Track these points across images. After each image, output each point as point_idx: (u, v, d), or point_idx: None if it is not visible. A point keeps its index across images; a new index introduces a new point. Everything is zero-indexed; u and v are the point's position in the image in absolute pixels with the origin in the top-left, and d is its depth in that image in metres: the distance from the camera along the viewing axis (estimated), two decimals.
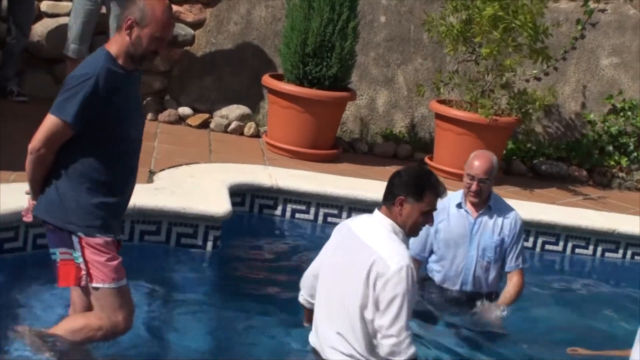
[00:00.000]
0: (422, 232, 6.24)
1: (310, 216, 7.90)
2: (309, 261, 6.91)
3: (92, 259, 4.61)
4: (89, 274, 4.63)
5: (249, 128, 9.86)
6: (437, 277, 6.49)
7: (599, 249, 8.35)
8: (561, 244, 8.30)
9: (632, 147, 10.86)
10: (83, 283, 4.64)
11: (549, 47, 9.70)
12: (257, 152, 9.26)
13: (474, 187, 6.29)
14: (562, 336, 6.36)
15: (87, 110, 4.45)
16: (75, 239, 4.60)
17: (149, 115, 9.64)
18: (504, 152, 9.93)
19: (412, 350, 4.71)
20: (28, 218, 4.81)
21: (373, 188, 8.16)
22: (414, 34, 10.49)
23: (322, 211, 7.90)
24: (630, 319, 6.34)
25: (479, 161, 6.30)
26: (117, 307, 4.68)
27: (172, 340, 5.49)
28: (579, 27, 10.67)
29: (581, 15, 10.67)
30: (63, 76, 9.30)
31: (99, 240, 4.62)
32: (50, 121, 4.48)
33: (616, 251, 8.35)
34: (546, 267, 7.96)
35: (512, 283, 6.41)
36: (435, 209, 5.02)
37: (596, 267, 8.29)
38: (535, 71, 10.38)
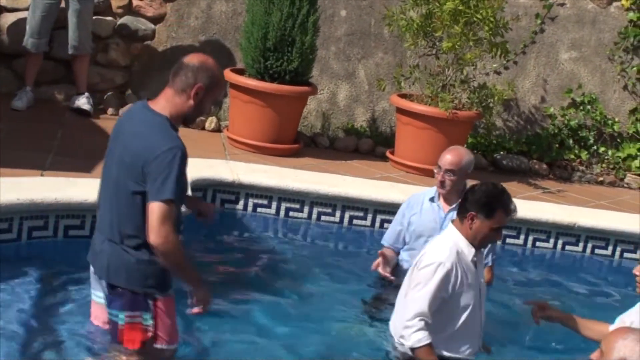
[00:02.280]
0: (397, 225, 6.43)
1: (272, 211, 7.88)
2: (271, 255, 6.93)
3: (163, 321, 4.70)
4: (155, 335, 4.69)
5: (210, 123, 9.82)
6: (405, 266, 6.56)
7: (559, 242, 8.40)
8: (522, 237, 8.34)
9: (591, 141, 10.95)
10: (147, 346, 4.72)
11: (509, 42, 9.75)
12: (218, 147, 9.22)
13: (440, 177, 6.43)
14: (523, 327, 6.42)
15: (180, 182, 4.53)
16: (150, 302, 4.67)
17: (110, 110, 9.58)
18: (465, 146, 9.96)
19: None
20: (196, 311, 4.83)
21: (335, 182, 8.18)
22: (375, 29, 10.49)
23: (283, 205, 7.88)
24: (590, 311, 6.37)
25: (449, 154, 6.47)
26: None
27: None
28: (538, 22, 10.74)
29: (540, 10, 10.73)
30: (23, 70, 9.33)
31: (172, 297, 4.73)
32: (164, 210, 4.43)
33: (576, 244, 8.41)
34: (507, 261, 7.99)
35: None
36: (505, 225, 5.26)
37: (556, 260, 8.34)
38: (495, 65, 10.43)
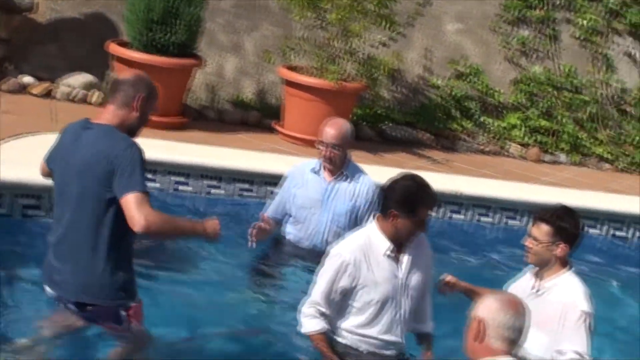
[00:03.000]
0: (279, 197, 6.41)
1: (159, 184, 7.82)
2: None
3: (137, 329, 4.77)
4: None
5: (95, 96, 9.67)
6: (291, 238, 6.63)
7: (446, 211, 8.53)
8: None
9: (475, 111, 11.13)
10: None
11: (396, 14, 9.82)
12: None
13: (326, 153, 6.41)
14: None
15: None
16: (123, 313, 4.70)
17: None
18: (352, 117, 10.02)
19: None
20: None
21: (222, 155, 8.15)
22: (262, 0, 10.46)
23: (171, 179, 7.83)
24: (476, 279, 6.48)
25: (330, 128, 6.44)
26: None
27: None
28: None
29: None
30: None
31: (141, 302, 4.80)
32: (138, 198, 4.50)
33: (460, 212, 8.55)
34: None
35: None
36: (428, 218, 5.17)
37: (443, 228, 8.46)
38: (381, 37, 10.50)
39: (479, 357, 3.86)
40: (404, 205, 5.06)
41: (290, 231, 6.65)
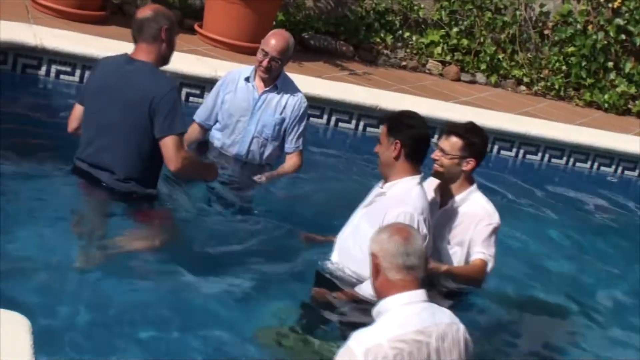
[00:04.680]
0: (210, 101, 6.39)
1: (76, 78, 7.71)
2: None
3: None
4: None
5: None
6: (216, 143, 6.60)
7: (361, 123, 8.58)
8: (325, 117, 8.47)
9: (397, 25, 11.13)
10: None
11: None
12: (21, 10, 8.87)
13: (264, 62, 6.34)
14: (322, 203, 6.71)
15: None
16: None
17: None
18: (274, 23, 9.94)
19: None
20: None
21: None
22: None
23: (87, 73, 7.71)
24: None
25: (275, 39, 6.36)
26: None
27: None
28: None
29: None
30: None
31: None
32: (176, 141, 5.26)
33: (377, 126, 8.60)
34: (310, 138, 8.07)
35: (289, 163, 6.60)
36: None
37: (357, 140, 8.52)
38: None
39: (385, 294, 3.83)
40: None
41: (216, 136, 6.60)
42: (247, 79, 6.50)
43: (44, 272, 4.86)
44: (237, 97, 6.49)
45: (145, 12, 5.46)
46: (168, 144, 5.21)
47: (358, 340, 3.67)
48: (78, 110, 5.58)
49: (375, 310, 3.86)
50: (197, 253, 5.54)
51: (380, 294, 3.86)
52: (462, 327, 3.89)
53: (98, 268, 5.03)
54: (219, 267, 5.41)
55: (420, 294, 3.81)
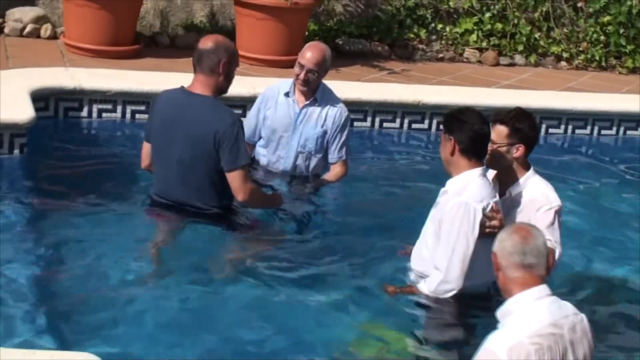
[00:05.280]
0: (252, 119, 6.40)
1: (118, 114, 7.76)
2: (121, 159, 6.84)
3: None
4: None
5: (46, 30, 9.51)
6: (262, 160, 6.64)
7: (406, 121, 8.54)
8: (369, 119, 8.44)
9: (429, 19, 11.09)
10: None
11: None
12: (56, 54, 8.97)
13: (302, 75, 6.36)
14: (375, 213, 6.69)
15: None
16: None
17: None
18: (307, 33, 9.94)
19: None
20: None
21: (177, 81, 8.04)
22: None
23: (129, 109, 7.77)
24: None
25: (311, 52, 6.38)
26: None
27: None
28: None
29: None
30: None
31: None
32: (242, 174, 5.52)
33: (422, 122, 8.56)
34: (356, 143, 8.03)
35: (332, 172, 6.62)
36: None
37: (402, 139, 8.48)
38: None
39: (510, 293, 3.88)
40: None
41: (261, 153, 6.64)
42: (286, 94, 6.51)
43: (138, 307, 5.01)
44: (278, 113, 6.51)
45: (206, 43, 5.57)
46: (235, 177, 5.46)
47: (497, 341, 3.75)
48: (147, 147, 5.74)
49: (501, 311, 3.93)
50: (285, 267, 5.67)
51: (504, 292, 3.95)
52: (584, 316, 3.96)
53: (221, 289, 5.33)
54: (314, 281, 5.56)
55: (545, 288, 3.88)
